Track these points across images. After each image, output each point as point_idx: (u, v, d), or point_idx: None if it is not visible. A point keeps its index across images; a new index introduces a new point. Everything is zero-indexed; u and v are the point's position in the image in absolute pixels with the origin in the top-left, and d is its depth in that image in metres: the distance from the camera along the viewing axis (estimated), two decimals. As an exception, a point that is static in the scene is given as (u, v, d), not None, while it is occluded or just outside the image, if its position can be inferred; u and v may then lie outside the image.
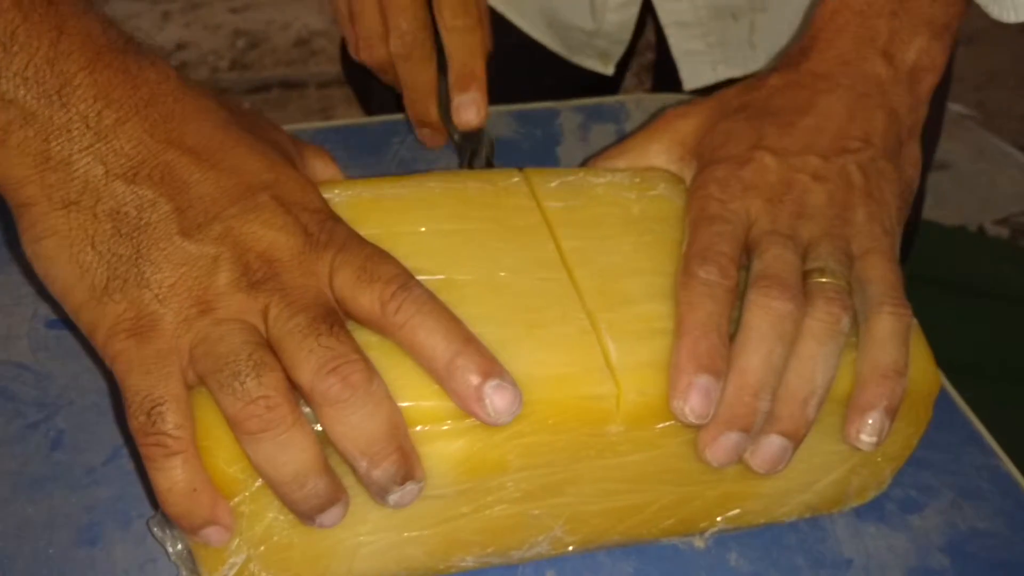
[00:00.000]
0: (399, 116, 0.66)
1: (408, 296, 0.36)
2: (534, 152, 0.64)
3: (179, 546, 0.39)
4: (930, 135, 0.78)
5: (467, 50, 0.55)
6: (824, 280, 0.41)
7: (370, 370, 0.35)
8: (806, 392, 0.40)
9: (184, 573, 0.40)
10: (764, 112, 0.47)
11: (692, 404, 0.38)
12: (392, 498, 0.36)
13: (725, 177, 0.44)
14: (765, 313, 0.39)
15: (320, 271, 0.37)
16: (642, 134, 0.49)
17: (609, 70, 0.80)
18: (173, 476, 0.35)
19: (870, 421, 0.41)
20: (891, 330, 0.41)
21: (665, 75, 0.82)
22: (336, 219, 0.39)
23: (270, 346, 0.36)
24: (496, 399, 0.35)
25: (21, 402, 0.47)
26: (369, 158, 0.62)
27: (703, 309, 0.39)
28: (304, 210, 0.38)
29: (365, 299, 0.36)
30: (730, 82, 0.71)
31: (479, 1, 0.56)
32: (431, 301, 0.37)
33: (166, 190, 0.37)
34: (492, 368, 0.36)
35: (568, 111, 0.69)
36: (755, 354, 0.39)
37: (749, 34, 0.75)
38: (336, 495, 0.36)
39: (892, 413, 0.41)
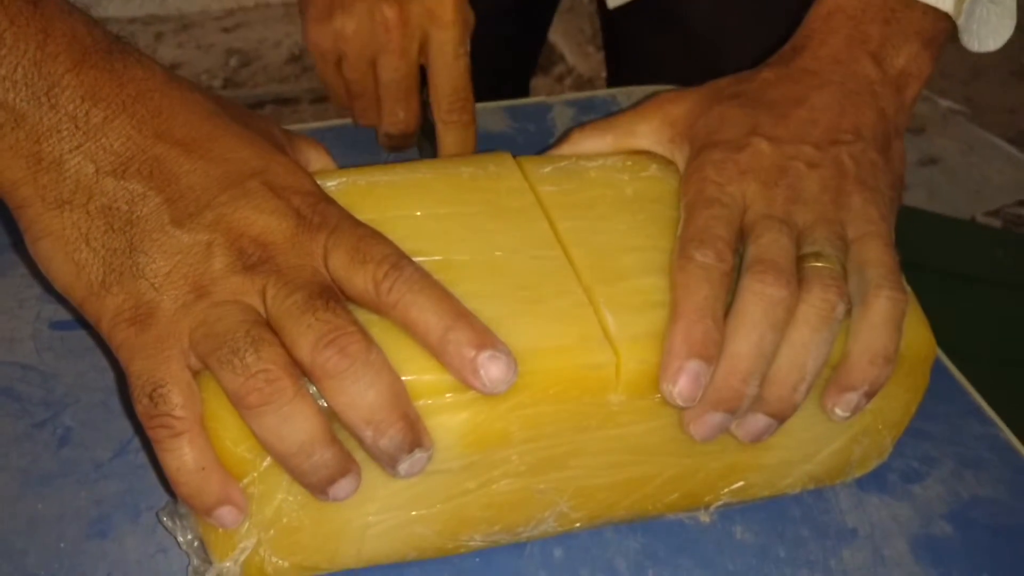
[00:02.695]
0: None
1: (400, 276, 0.37)
2: (528, 146, 0.65)
3: (189, 535, 0.40)
4: None
5: (459, 145, 0.58)
6: (820, 264, 0.41)
7: (367, 340, 0.36)
8: (796, 379, 0.40)
9: (195, 562, 0.40)
10: (758, 102, 0.47)
11: (681, 388, 0.38)
12: (402, 467, 0.36)
13: (722, 160, 0.44)
14: (759, 299, 0.40)
15: (315, 252, 0.38)
16: (631, 113, 0.49)
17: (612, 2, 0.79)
18: (181, 455, 0.36)
19: (848, 398, 0.41)
20: (887, 315, 0.41)
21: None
22: (328, 201, 0.40)
23: (269, 326, 0.36)
24: (491, 369, 0.36)
25: (28, 402, 0.47)
26: (362, 157, 0.62)
27: (699, 293, 0.40)
28: (296, 193, 0.39)
29: (359, 280, 0.37)
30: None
31: (472, 101, 0.59)
32: (423, 279, 0.37)
33: (156, 183, 0.37)
34: (485, 340, 0.36)
35: (560, 105, 0.70)
36: (746, 341, 0.39)
37: None
38: (346, 466, 0.36)
39: (871, 396, 0.42)
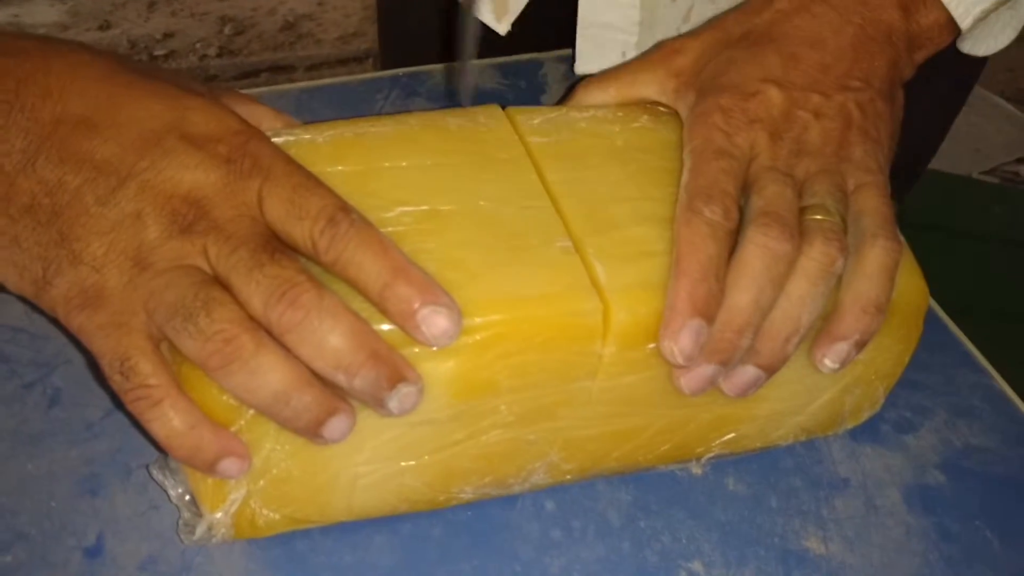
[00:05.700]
0: (384, 73, 0.66)
1: (336, 232, 0.36)
2: (519, 102, 0.63)
3: (180, 489, 0.40)
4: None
5: None
6: (821, 218, 0.41)
7: (318, 288, 0.35)
8: (789, 331, 0.40)
9: (185, 515, 0.40)
10: (768, 39, 0.46)
11: (682, 346, 0.38)
12: (392, 405, 0.36)
13: (730, 107, 0.43)
14: (763, 252, 0.39)
15: (249, 200, 0.36)
16: (634, 64, 0.48)
17: (502, 28, 0.65)
18: (168, 421, 0.35)
19: (838, 348, 0.41)
20: (881, 264, 0.41)
21: None
22: (258, 138, 0.38)
23: (219, 282, 0.35)
24: (432, 323, 0.35)
25: (17, 363, 0.47)
26: (353, 115, 0.62)
27: (705, 251, 0.39)
28: (219, 141, 0.37)
29: (296, 235, 0.36)
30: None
31: None
32: (361, 234, 0.36)
33: (69, 167, 0.36)
34: (426, 294, 0.35)
35: (551, 62, 0.69)
36: (746, 293, 0.39)
37: (686, 11, 0.73)
38: (331, 405, 0.36)
39: (862, 346, 0.41)
